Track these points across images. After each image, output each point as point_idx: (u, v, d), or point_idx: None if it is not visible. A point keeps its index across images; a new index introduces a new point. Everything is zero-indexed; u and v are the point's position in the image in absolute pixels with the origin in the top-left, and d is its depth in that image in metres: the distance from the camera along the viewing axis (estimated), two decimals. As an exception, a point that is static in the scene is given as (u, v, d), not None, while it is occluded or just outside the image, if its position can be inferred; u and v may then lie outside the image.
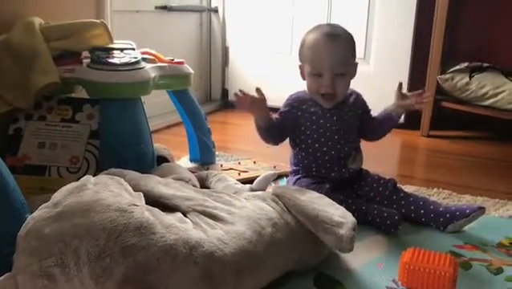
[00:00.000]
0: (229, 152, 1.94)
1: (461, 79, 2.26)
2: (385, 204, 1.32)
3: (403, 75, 2.40)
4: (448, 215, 1.26)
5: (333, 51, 1.30)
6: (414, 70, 2.41)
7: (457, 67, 2.32)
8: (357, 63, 1.37)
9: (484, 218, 1.30)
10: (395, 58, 2.42)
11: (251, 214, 0.97)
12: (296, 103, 1.38)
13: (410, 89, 2.39)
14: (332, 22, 2.46)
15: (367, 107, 1.43)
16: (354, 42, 1.35)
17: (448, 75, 2.29)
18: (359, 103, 1.41)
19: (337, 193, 1.29)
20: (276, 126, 1.35)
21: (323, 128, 1.35)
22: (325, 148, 1.36)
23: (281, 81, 2.58)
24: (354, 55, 1.36)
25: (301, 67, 1.39)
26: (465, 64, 2.32)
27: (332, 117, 1.35)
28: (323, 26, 1.37)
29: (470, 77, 2.25)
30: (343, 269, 1.07)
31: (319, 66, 1.30)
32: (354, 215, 1.03)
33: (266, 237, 0.93)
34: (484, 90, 2.21)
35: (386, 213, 1.25)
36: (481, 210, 1.26)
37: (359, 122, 1.41)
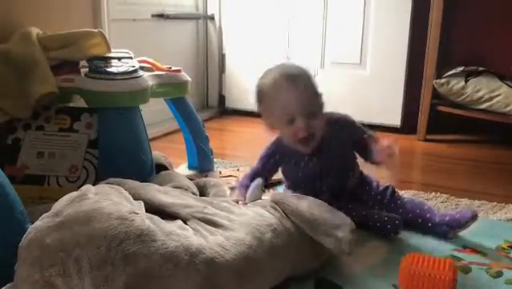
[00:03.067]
0: (227, 159, 1.94)
1: (457, 83, 2.27)
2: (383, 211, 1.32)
3: (399, 79, 2.42)
4: (444, 227, 1.25)
5: (297, 93, 1.19)
6: (410, 74, 2.42)
7: (453, 72, 2.33)
8: (323, 101, 1.26)
9: (482, 222, 1.31)
10: (391, 62, 2.43)
11: (251, 221, 0.97)
12: (276, 153, 1.31)
13: (406, 93, 2.42)
14: (328, 27, 2.48)
15: (356, 131, 1.32)
16: (311, 76, 1.25)
17: (443, 80, 2.30)
18: (345, 134, 1.31)
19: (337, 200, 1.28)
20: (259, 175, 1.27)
21: (306, 175, 1.30)
22: (311, 189, 1.26)
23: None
24: (317, 90, 1.24)
25: (266, 122, 1.28)
26: (461, 68, 2.33)
27: (315, 165, 1.29)
28: (274, 69, 1.25)
29: (466, 81, 2.26)
30: (344, 274, 1.08)
31: (289, 112, 1.19)
32: (354, 220, 1.03)
33: (265, 242, 0.93)
34: (479, 94, 2.23)
35: (387, 217, 1.25)
36: (474, 217, 1.25)
37: (353, 148, 1.33)
